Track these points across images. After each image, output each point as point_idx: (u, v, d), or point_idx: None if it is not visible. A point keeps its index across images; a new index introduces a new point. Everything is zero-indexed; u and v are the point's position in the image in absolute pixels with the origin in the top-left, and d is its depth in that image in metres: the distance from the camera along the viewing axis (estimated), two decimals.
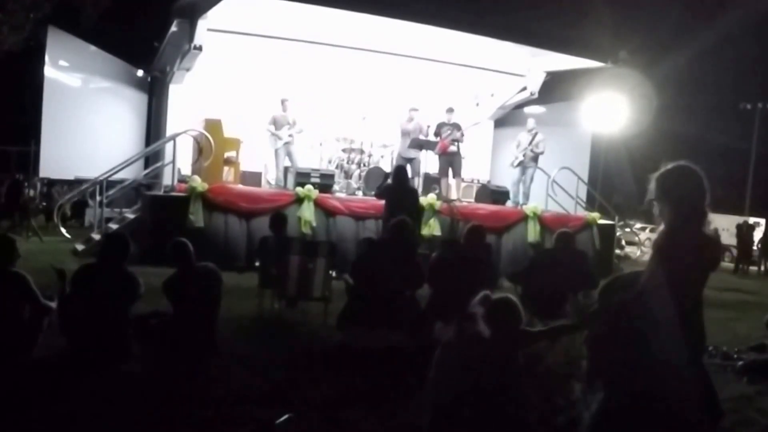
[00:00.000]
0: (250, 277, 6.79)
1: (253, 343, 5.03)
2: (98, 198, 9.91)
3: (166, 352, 4.39)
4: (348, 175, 11.86)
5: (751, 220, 22.59)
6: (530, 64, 12.51)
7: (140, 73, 14.23)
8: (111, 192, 10.31)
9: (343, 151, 12.06)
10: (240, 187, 9.99)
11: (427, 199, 10.08)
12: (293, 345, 5.09)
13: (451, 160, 11.16)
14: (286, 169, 11.04)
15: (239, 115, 11.14)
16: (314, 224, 9.33)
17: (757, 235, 20.06)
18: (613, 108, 12.22)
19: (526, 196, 11.59)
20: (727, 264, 21.32)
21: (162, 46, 12.34)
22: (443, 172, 11.30)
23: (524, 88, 13.06)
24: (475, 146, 13.65)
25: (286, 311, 6.01)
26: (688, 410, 2.47)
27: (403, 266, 5.38)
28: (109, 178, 10.20)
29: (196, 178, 9.25)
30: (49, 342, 4.27)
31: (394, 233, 5.57)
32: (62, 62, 11.66)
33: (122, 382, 3.96)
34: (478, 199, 11.88)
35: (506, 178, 12.49)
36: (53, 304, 4.24)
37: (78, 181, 11.43)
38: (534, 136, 11.49)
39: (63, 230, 10.95)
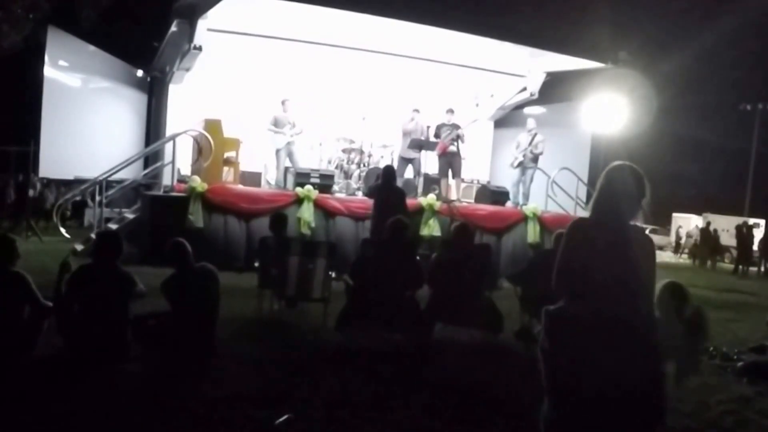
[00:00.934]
0: (249, 277, 6.78)
1: (253, 344, 5.02)
2: (98, 198, 9.90)
3: (165, 353, 4.39)
4: (348, 176, 11.86)
5: (751, 220, 22.63)
6: (530, 64, 12.51)
7: (140, 73, 14.22)
8: (110, 192, 10.31)
9: (343, 151, 12.06)
10: (240, 187, 9.99)
11: (427, 200, 10.09)
12: (293, 345, 5.08)
13: (450, 161, 11.16)
14: (286, 170, 11.04)
15: (239, 115, 11.14)
16: (313, 225, 9.33)
17: (757, 235, 20.07)
18: (613, 108, 12.21)
19: (526, 197, 11.59)
20: (726, 265, 21.36)
21: (162, 46, 12.33)
22: (443, 173, 11.30)
23: (524, 89, 13.07)
24: (475, 147, 13.64)
25: (285, 312, 6.01)
26: (633, 401, 2.52)
27: (402, 267, 5.38)
28: (109, 178, 10.18)
29: (196, 178, 9.25)
30: (49, 342, 4.26)
31: (388, 233, 5.57)
32: (62, 62, 11.65)
33: (122, 382, 3.96)
34: (477, 200, 11.87)
35: (506, 178, 12.48)
36: (50, 304, 4.23)
37: (77, 181, 11.42)
38: (534, 136, 11.48)
39: (62, 230, 10.94)
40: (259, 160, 11.69)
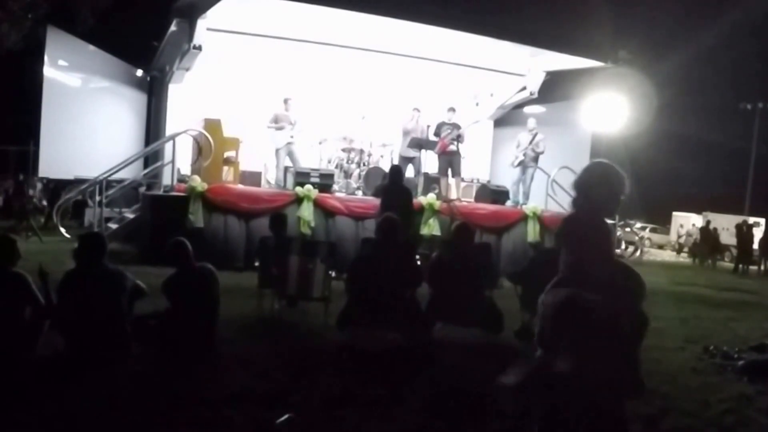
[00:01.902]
0: (249, 277, 6.78)
1: (253, 343, 5.02)
2: (98, 198, 9.89)
3: (166, 352, 4.39)
4: (348, 175, 11.85)
5: (751, 219, 22.63)
6: (530, 63, 12.50)
7: (139, 72, 14.21)
8: (110, 192, 10.28)
9: (343, 150, 12.05)
10: (239, 187, 9.98)
11: (427, 199, 10.08)
12: (293, 345, 5.08)
13: (450, 160, 11.16)
14: (286, 169, 11.03)
15: (239, 115, 11.13)
16: (313, 224, 9.33)
17: (758, 234, 20.09)
18: (613, 108, 12.20)
19: (526, 196, 11.59)
20: (727, 263, 21.37)
21: (161, 45, 12.32)
22: (443, 172, 11.30)
23: (524, 88, 13.05)
24: (475, 146, 13.64)
25: (285, 311, 6.00)
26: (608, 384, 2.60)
27: (400, 266, 5.36)
28: (109, 178, 10.17)
29: (196, 178, 9.24)
30: (49, 342, 4.26)
31: (381, 233, 5.54)
32: (61, 62, 11.63)
33: (122, 382, 3.96)
34: (477, 199, 11.86)
35: (506, 177, 12.49)
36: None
37: (77, 181, 11.41)
38: (534, 135, 11.49)
39: (63, 230, 10.94)
40: (259, 160, 11.68)
